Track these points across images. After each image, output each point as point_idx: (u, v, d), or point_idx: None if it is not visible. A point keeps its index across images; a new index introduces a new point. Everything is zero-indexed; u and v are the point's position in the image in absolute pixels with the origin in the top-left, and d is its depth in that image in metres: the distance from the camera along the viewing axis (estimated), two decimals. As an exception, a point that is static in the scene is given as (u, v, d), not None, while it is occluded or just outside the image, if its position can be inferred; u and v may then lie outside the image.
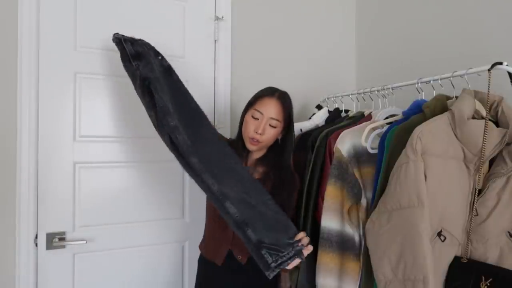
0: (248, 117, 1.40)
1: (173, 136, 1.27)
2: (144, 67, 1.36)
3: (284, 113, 1.38)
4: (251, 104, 1.42)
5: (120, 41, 1.39)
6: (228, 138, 1.62)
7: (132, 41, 1.40)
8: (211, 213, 1.47)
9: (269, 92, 1.40)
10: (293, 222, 1.42)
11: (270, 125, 1.37)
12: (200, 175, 1.27)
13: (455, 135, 1.07)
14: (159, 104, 1.30)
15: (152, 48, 1.42)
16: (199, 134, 1.33)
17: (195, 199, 1.81)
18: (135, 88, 1.39)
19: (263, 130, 1.36)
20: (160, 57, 1.43)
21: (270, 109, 1.36)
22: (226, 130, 1.87)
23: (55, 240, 1.59)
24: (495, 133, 1.05)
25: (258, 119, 1.37)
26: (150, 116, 1.35)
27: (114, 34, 1.40)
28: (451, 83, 1.24)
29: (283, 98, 1.40)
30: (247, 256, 1.39)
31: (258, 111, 1.37)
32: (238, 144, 1.44)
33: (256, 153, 1.45)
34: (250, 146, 1.39)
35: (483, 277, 1.04)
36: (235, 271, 1.40)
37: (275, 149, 1.44)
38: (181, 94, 1.41)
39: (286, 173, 1.42)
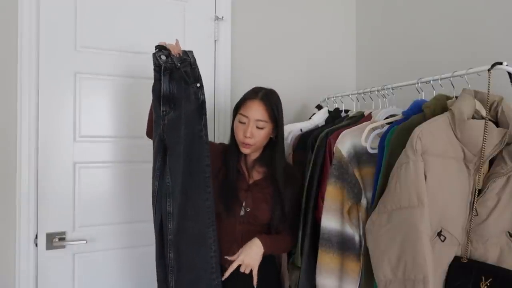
0: (236, 122, 1.41)
1: (164, 219, 1.31)
2: (170, 120, 1.27)
3: (269, 112, 1.37)
4: (237, 109, 1.42)
5: (159, 67, 1.26)
6: (221, 142, 1.61)
7: (174, 68, 1.26)
8: (217, 215, 1.43)
9: (252, 94, 1.40)
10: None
11: (257, 127, 1.37)
12: (165, 271, 1.33)
13: (455, 135, 1.07)
14: (166, 182, 1.30)
15: (194, 70, 1.30)
16: (185, 224, 1.31)
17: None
18: (153, 132, 1.31)
19: (251, 133, 1.36)
20: (198, 85, 1.30)
21: (254, 112, 1.36)
22: (226, 130, 1.86)
23: (55, 240, 1.59)
24: (495, 133, 1.05)
25: (245, 123, 1.37)
26: (152, 183, 1.33)
27: (156, 50, 1.25)
28: (451, 83, 1.24)
29: (266, 98, 1.39)
30: None
31: (243, 115, 1.38)
32: (232, 149, 1.44)
33: (253, 154, 1.45)
34: (243, 150, 1.40)
35: (483, 277, 1.04)
36: (244, 274, 1.36)
37: (271, 147, 1.44)
38: (197, 147, 1.32)
39: (286, 168, 1.43)
